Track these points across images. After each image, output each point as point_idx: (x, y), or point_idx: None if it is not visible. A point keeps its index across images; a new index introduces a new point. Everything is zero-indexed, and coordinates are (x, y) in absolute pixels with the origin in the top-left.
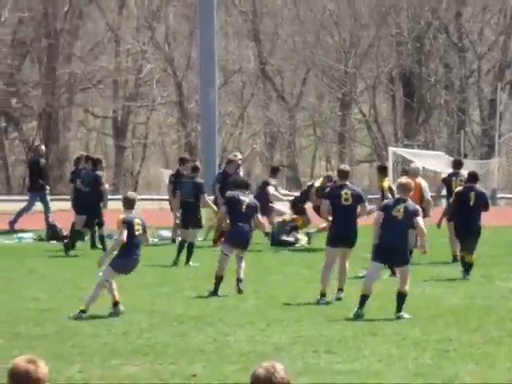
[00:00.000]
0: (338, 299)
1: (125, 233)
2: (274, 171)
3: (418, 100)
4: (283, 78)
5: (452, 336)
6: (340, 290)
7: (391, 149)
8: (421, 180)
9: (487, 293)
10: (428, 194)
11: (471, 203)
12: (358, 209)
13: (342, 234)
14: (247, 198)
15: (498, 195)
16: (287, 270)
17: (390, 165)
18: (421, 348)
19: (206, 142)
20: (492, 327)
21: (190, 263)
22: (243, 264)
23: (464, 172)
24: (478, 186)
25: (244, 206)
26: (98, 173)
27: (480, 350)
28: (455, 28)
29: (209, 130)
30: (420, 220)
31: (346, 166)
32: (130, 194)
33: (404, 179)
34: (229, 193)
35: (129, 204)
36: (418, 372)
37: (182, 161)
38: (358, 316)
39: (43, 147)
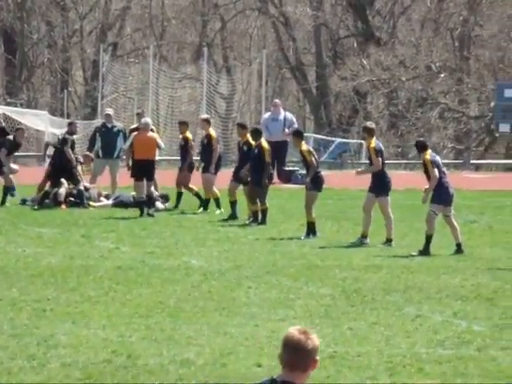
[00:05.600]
0: None
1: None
2: None
3: (21, 58)
4: None
5: (50, 296)
6: None
7: None
8: (153, 133)
9: (87, 253)
10: (162, 145)
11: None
12: None
13: None
14: None
15: None
16: None
17: None
18: (18, 308)
19: None
20: (90, 286)
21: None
22: None
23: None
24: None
25: None
26: None
27: (77, 309)
28: None
29: None
30: None
31: None
32: None
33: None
34: None
35: None
36: (13, 333)
37: None
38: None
39: None
